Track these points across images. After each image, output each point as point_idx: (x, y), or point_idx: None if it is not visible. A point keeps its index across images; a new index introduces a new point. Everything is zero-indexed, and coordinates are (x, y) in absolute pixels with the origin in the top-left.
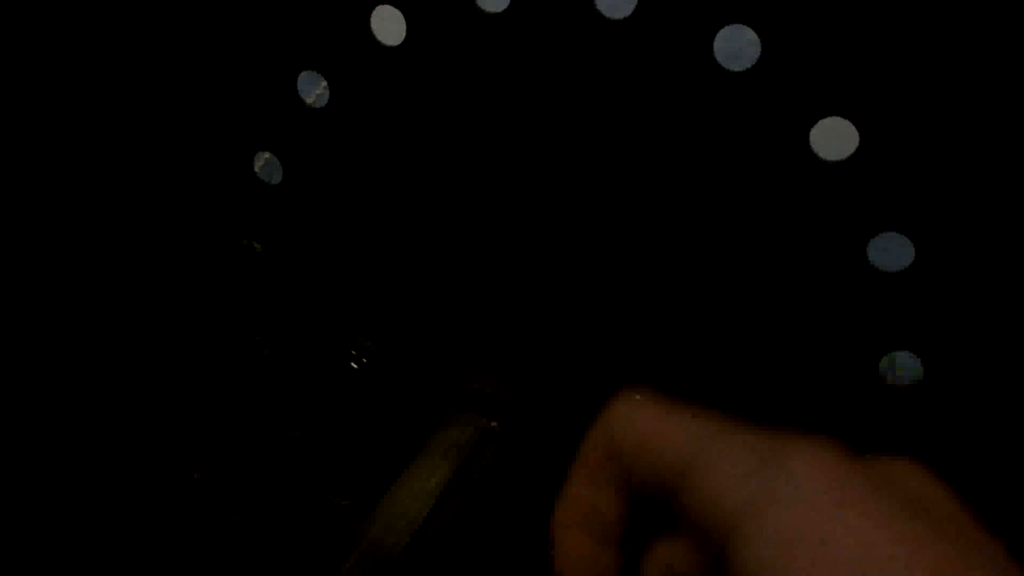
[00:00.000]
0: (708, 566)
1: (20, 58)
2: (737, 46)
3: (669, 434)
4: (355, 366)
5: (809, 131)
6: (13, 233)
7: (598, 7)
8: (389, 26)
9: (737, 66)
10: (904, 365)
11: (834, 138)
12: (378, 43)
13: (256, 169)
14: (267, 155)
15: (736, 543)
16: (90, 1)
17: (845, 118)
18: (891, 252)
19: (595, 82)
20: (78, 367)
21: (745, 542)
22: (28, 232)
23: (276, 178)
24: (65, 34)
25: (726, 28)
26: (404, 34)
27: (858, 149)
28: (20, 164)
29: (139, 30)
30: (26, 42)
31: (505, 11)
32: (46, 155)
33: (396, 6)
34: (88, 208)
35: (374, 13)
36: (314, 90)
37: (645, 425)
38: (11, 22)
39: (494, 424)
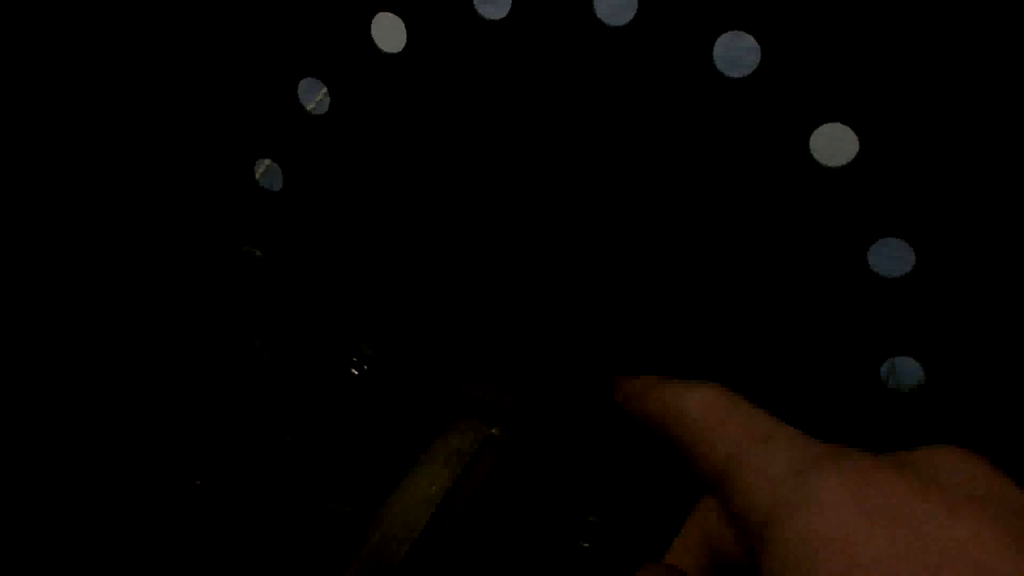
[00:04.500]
0: (743, 551)
1: (20, 63)
2: (737, 52)
3: (727, 424)
4: (355, 373)
5: (809, 137)
6: (14, 237)
7: (598, 14)
8: (390, 33)
9: (737, 72)
10: (905, 370)
11: (834, 144)
12: (378, 50)
13: (257, 176)
14: (268, 162)
15: (767, 539)
16: (89, 7)
17: (845, 124)
18: (892, 258)
19: (595, 88)
20: (78, 373)
21: (773, 542)
22: (29, 237)
23: (277, 185)
24: (65, 40)
25: (726, 35)
26: (404, 41)
27: (858, 155)
28: (21, 169)
29: (139, 37)
30: (26, 46)
31: (505, 18)
32: (47, 161)
33: (397, 13)
34: (88, 214)
35: (374, 20)
36: (315, 97)
37: (707, 410)
38: (11, 26)
39: (495, 431)
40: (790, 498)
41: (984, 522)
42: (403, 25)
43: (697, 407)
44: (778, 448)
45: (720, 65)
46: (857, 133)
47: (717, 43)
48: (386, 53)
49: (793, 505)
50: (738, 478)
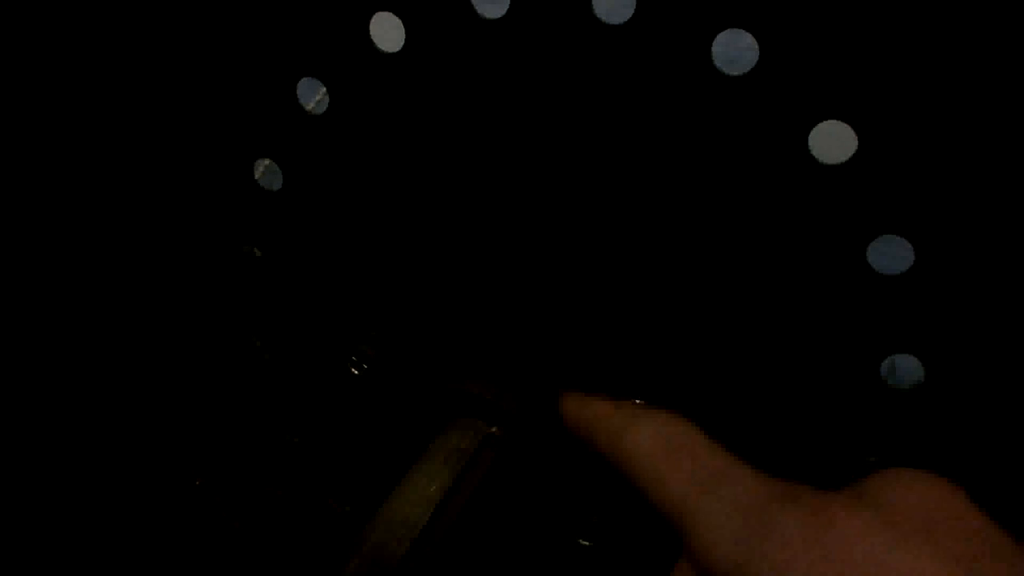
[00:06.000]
0: None
1: (20, 63)
2: (735, 50)
3: (675, 464)
4: (355, 372)
5: (808, 134)
6: (13, 236)
7: (596, 12)
8: (388, 32)
9: (735, 70)
10: (905, 368)
11: (833, 142)
12: (377, 49)
13: (256, 176)
14: (267, 162)
15: None
16: (89, 7)
17: (844, 122)
18: (891, 255)
19: (594, 86)
20: (78, 372)
21: None
22: (28, 237)
23: (276, 184)
24: (65, 40)
25: (724, 32)
26: (403, 40)
27: (857, 152)
28: (20, 169)
29: (138, 37)
30: (26, 46)
31: (504, 17)
32: (46, 161)
33: (395, 12)
34: (88, 214)
35: (373, 19)
36: (314, 96)
37: (654, 448)
38: (11, 26)
39: (495, 430)
40: (748, 556)
41: (934, 554)
42: (402, 24)
43: (644, 444)
44: (728, 492)
45: (719, 63)
46: (856, 130)
47: (716, 41)
48: (385, 52)
49: (751, 564)
50: (692, 528)
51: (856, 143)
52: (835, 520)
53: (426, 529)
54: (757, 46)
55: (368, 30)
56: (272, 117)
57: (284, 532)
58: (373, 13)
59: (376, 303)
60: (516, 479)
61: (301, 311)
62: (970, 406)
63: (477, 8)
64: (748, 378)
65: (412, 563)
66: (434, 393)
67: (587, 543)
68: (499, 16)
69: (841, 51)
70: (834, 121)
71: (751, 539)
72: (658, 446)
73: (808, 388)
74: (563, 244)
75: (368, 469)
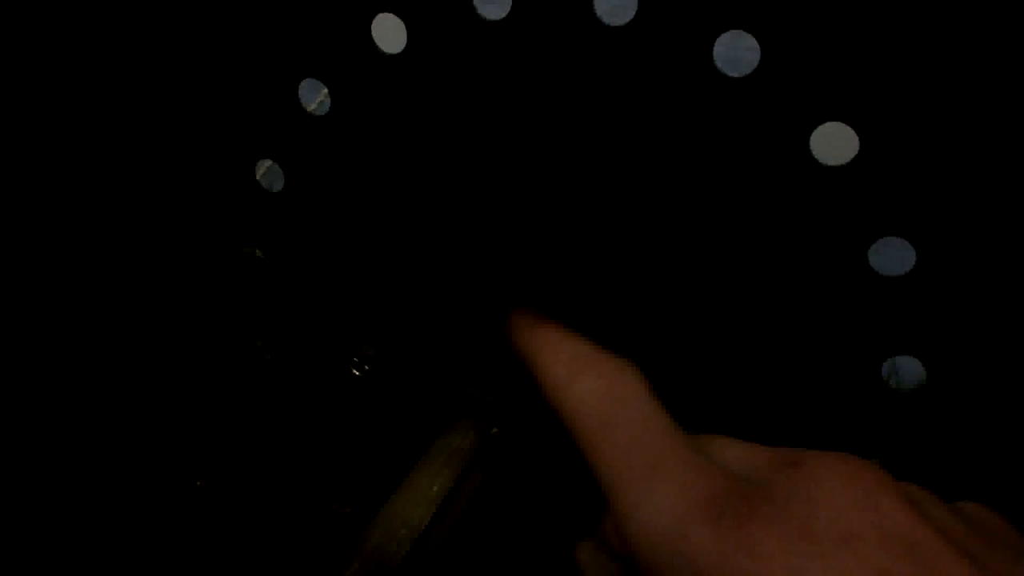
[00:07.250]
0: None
1: (20, 63)
2: (737, 52)
3: (612, 437)
4: (356, 373)
5: (809, 136)
6: (14, 237)
7: (598, 14)
8: (390, 34)
9: (737, 72)
10: (906, 370)
11: (834, 143)
12: (379, 51)
13: (258, 177)
14: (269, 163)
15: None
16: (89, 7)
17: (845, 123)
18: (892, 257)
19: (595, 88)
20: (79, 374)
21: None
22: (29, 238)
23: (277, 185)
24: (65, 40)
25: (725, 34)
26: (405, 42)
27: (858, 154)
28: (21, 170)
29: (140, 37)
30: (26, 46)
31: (505, 18)
32: (47, 162)
33: (397, 14)
34: (89, 215)
35: (375, 21)
36: (315, 98)
37: (592, 413)
38: (11, 26)
39: (495, 431)
40: (668, 561)
41: (852, 569)
42: (403, 26)
43: (586, 402)
44: (660, 489)
45: (720, 64)
46: (857, 132)
47: (717, 42)
48: (386, 54)
49: (670, 570)
50: (619, 511)
51: (858, 145)
52: (752, 542)
53: (427, 530)
54: (759, 47)
55: (370, 31)
56: (274, 118)
57: (284, 533)
58: (375, 14)
59: (377, 304)
60: (516, 480)
61: (302, 312)
62: (972, 408)
63: (479, 9)
64: (749, 379)
65: (413, 564)
66: (435, 394)
67: None
68: (501, 17)
69: (843, 53)
70: (836, 123)
71: (668, 552)
72: (599, 407)
73: (809, 389)
74: (565, 246)
75: (369, 470)
